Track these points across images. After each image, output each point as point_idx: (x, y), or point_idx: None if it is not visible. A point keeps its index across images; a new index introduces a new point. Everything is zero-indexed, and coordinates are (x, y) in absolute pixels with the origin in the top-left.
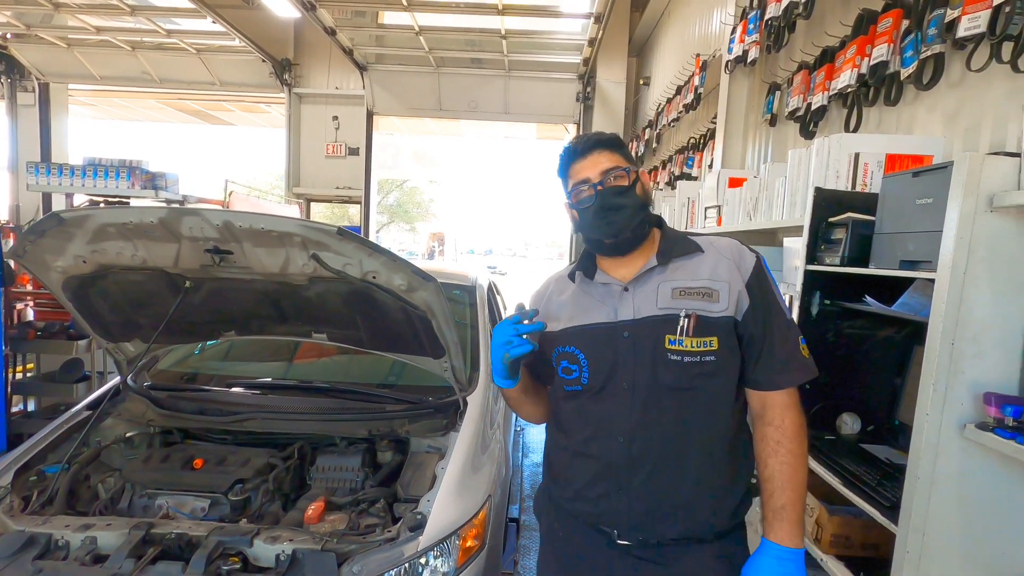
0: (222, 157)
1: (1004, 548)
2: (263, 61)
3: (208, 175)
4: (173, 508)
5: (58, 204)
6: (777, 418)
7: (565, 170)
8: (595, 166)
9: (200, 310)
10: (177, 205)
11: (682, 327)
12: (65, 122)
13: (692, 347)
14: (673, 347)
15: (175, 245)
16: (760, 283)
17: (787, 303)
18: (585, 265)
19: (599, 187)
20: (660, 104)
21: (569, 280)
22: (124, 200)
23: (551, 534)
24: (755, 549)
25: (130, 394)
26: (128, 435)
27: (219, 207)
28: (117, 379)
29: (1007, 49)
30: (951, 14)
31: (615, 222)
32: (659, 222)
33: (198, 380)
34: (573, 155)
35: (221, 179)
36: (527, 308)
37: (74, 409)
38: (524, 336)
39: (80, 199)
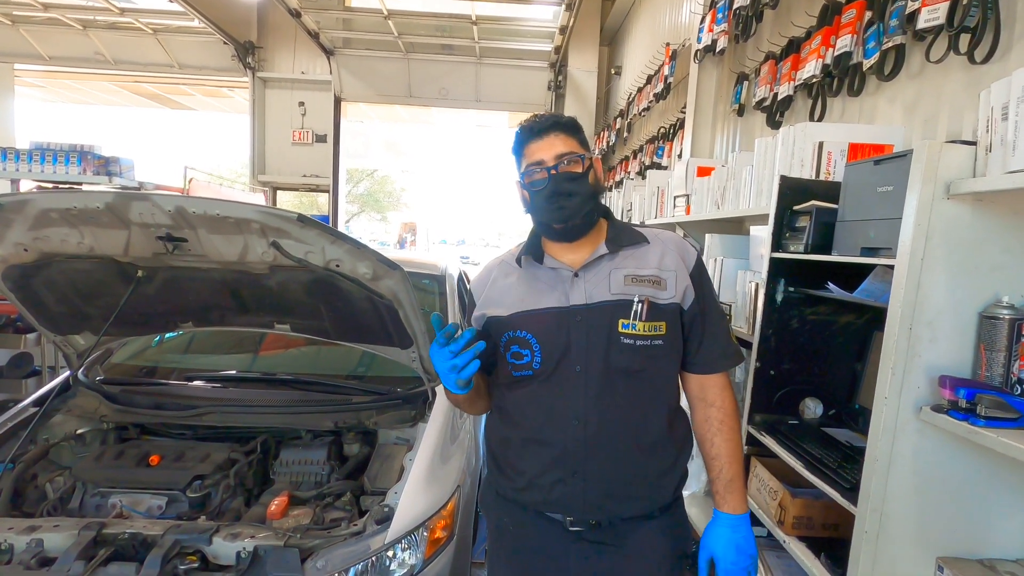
0: (184, 143)
1: (956, 526)
2: (225, 43)
3: (169, 162)
4: (127, 507)
5: (3, 190)
6: (718, 399)
7: (520, 148)
8: (551, 148)
9: (154, 300)
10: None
11: (636, 312)
12: (11, 104)
13: (644, 331)
14: (626, 331)
15: (124, 232)
16: (701, 275)
17: (753, 290)
18: (533, 249)
19: (553, 171)
20: (631, 93)
21: (516, 264)
22: (75, 186)
23: (500, 529)
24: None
25: (81, 389)
26: (79, 431)
27: (176, 193)
28: (67, 374)
29: (964, 41)
30: (911, 5)
31: (565, 207)
32: (606, 212)
33: (156, 374)
34: (530, 134)
35: (182, 166)
36: (454, 313)
37: (19, 406)
38: (463, 352)
39: (27, 185)
